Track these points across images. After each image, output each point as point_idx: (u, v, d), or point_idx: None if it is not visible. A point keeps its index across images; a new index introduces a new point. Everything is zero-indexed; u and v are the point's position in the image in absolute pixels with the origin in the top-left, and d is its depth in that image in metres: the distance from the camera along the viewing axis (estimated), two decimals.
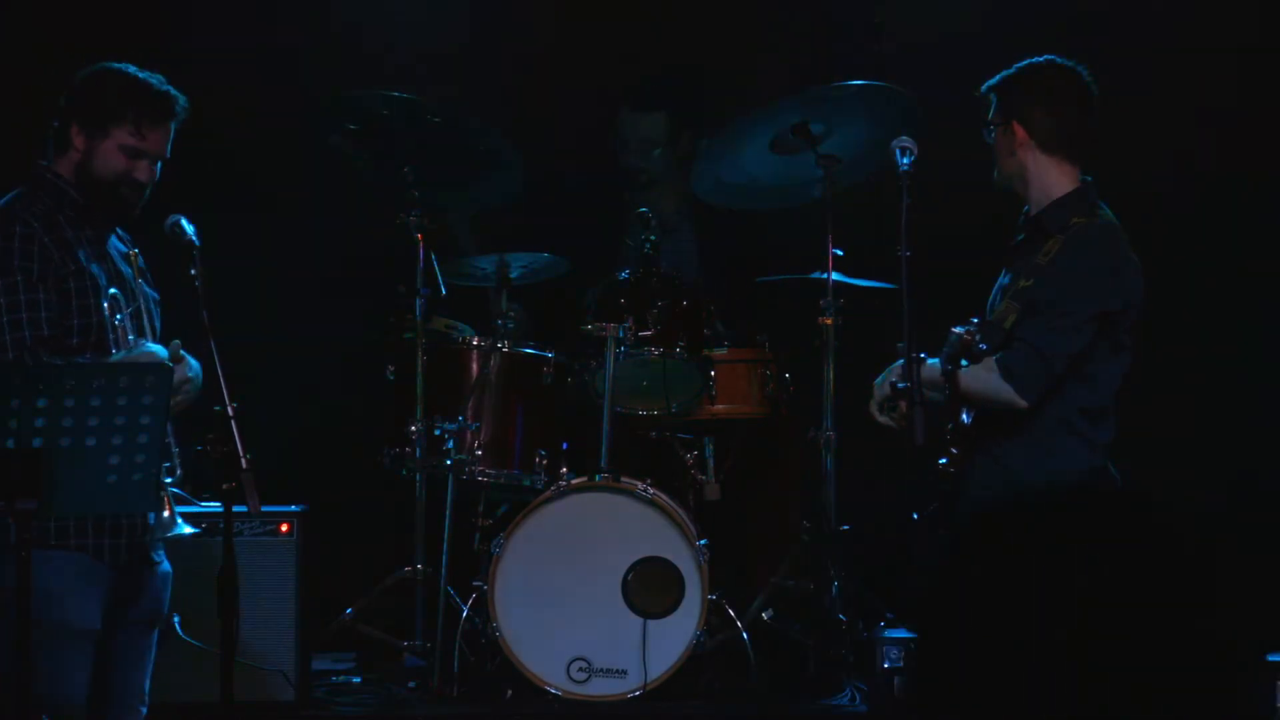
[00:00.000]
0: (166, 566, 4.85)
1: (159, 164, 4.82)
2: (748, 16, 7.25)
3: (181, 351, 4.61)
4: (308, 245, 7.01)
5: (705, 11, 7.30)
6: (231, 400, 4.43)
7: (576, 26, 7.24)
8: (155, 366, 4.44)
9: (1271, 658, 5.80)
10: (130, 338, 4.68)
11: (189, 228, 4.71)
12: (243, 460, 4.39)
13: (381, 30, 7.10)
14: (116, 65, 4.82)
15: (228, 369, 4.46)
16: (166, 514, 4.70)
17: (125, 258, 4.82)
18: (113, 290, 4.70)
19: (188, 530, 4.75)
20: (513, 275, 6.35)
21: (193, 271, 4.61)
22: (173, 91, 4.81)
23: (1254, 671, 5.95)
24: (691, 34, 7.27)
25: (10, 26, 6.82)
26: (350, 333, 6.86)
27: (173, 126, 4.83)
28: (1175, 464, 6.69)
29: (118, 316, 4.68)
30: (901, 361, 4.60)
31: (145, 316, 4.80)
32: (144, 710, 4.84)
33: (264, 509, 4.86)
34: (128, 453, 4.27)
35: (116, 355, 4.63)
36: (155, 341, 4.77)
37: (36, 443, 4.19)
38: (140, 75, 4.80)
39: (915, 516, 4.59)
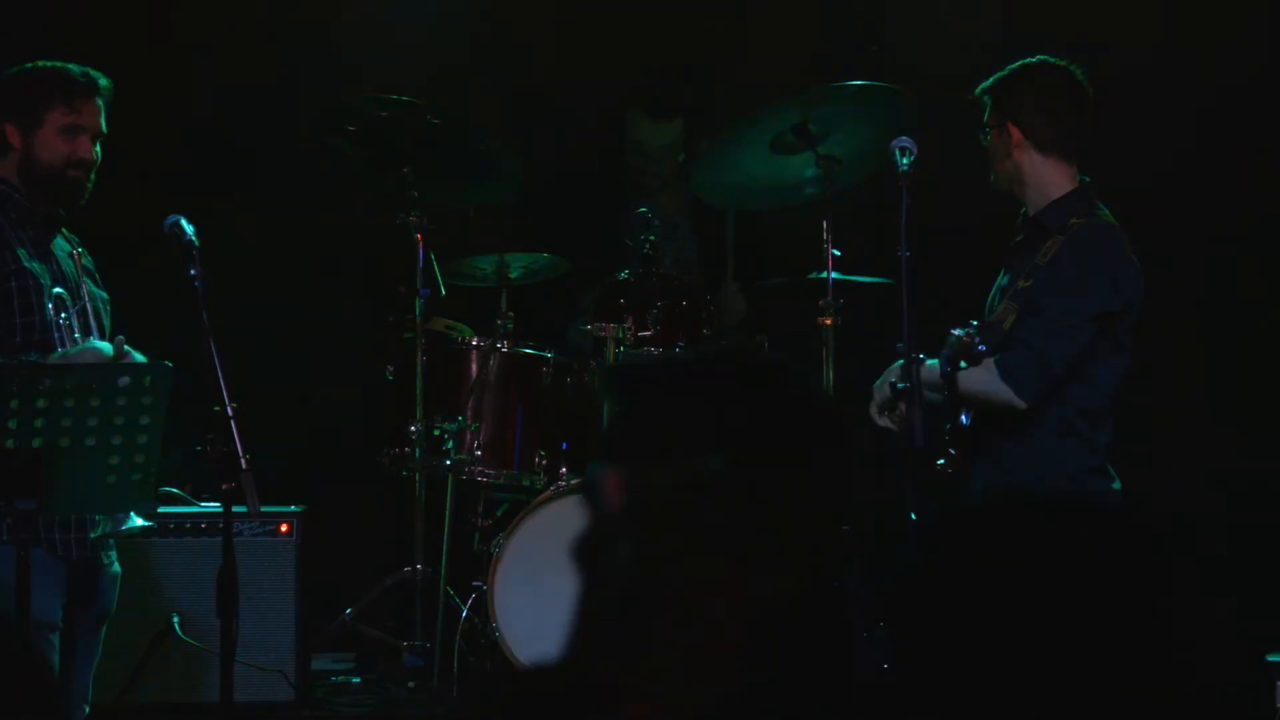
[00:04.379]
0: (116, 568, 4.89)
1: (98, 143, 4.86)
2: (748, 16, 7.25)
3: (126, 347, 4.61)
4: (308, 245, 7.01)
5: (705, 11, 7.31)
6: (231, 400, 4.42)
7: (575, 26, 7.24)
8: (155, 366, 4.43)
9: (1271, 658, 5.80)
10: (75, 336, 4.68)
11: (188, 228, 4.71)
12: (242, 460, 4.39)
13: (381, 32, 7.10)
14: (31, 63, 4.85)
15: (227, 369, 4.46)
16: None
17: (71, 257, 4.83)
18: (57, 290, 4.70)
19: (139, 523, 4.76)
20: (513, 275, 6.35)
21: (192, 271, 4.61)
22: (92, 72, 4.86)
23: (1254, 672, 5.95)
24: (692, 34, 7.27)
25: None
26: (349, 333, 6.86)
27: (101, 103, 4.86)
28: (1173, 464, 6.69)
29: (62, 315, 4.68)
30: (901, 362, 4.59)
31: (93, 316, 4.80)
32: (87, 709, 4.84)
33: (264, 509, 4.86)
34: (128, 453, 4.27)
35: (58, 353, 4.64)
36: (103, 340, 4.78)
37: (36, 443, 4.19)
38: (57, 63, 4.85)
39: (914, 517, 4.58)
